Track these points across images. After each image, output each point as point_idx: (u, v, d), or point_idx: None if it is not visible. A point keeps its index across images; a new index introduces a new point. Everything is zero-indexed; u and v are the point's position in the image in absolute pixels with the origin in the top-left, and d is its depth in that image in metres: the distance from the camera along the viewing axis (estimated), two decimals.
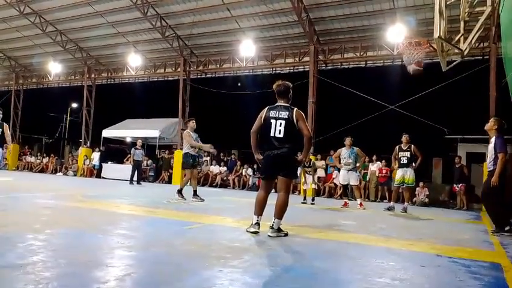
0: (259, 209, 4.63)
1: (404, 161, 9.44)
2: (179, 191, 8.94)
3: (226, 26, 17.83)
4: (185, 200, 8.78)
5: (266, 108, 4.71)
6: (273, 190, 4.88)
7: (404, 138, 9.52)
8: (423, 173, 15.38)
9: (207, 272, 2.91)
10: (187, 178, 9.14)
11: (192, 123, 9.16)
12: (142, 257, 3.34)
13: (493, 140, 6.24)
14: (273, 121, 4.57)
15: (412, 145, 9.41)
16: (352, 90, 16.01)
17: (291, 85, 4.83)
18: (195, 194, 8.94)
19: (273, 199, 4.73)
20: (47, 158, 24.76)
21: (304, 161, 4.59)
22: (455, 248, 4.68)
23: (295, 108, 4.63)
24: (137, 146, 16.25)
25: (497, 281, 3.18)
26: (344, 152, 10.09)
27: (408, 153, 9.38)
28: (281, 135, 4.52)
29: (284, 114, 4.55)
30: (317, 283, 2.84)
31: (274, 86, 4.79)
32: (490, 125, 6.32)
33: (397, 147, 9.66)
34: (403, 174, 9.47)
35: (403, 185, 9.63)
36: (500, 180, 5.89)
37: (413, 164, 9.44)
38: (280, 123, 4.53)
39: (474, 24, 9.42)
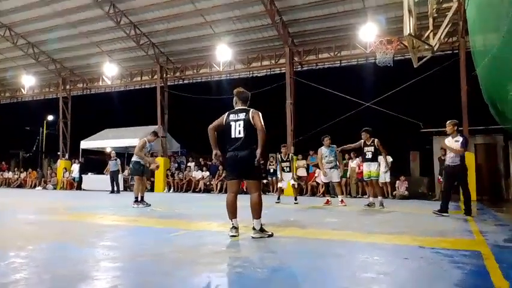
0: (232, 212, 4.74)
1: (369, 155, 9.55)
2: (142, 200, 9.20)
3: (201, 32, 17.81)
4: (149, 205, 9.05)
5: (227, 113, 4.91)
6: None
7: (364, 135, 9.57)
8: (402, 167, 15.68)
9: (196, 279, 2.93)
10: (140, 184, 9.36)
11: (151, 137, 9.61)
12: (129, 267, 3.32)
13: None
14: (232, 123, 4.79)
15: (376, 139, 9.50)
16: (328, 89, 16.21)
17: (250, 94, 5.07)
18: (137, 200, 9.15)
19: (246, 200, 4.76)
20: (25, 172, 24.22)
21: (259, 158, 4.64)
22: (437, 238, 4.80)
23: (252, 109, 4.83)
24: (111, 157, 16.84)
25: (479, 269, 3.29)
26: (324, 150, 10.19)
27: (372, 147, 9.48)
28: (241, 135, 4.71)
29: (242, 115, 4.77)
30: (306, 282, 2.88)
31: (235, 91, 4.99)
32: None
33: (362, 142, 9.67)
34: (369, 169, 9.56)
35: (370, 179, 9.67)
36: None
37: (378, 158, 9.53)
38: (239, 124, 4.74)
39: (442, 20, 9.72)
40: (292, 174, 11.07)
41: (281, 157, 11.04)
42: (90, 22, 18.22)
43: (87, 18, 17.97)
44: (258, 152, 4.64)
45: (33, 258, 3.55)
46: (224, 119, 4.88)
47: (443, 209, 7.59)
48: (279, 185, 11.24)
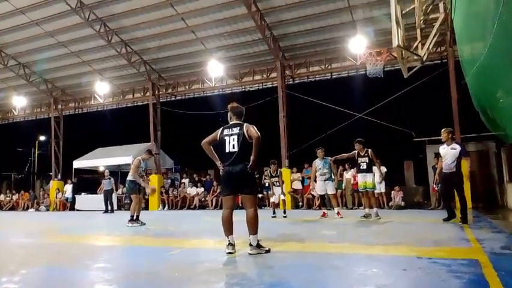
0: (228, 229, 4.69)
1: (364, 166, 9.54)
2: (137, 218, 9.13)
3: (193, 48, 17.92)
4: (144, 224, 9.01)
5: (221, 128, 4.91)
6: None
7: (357, 146, 9.56)
8: (396, 177, 15.71)
9: None
10: (137, 204, 9.31)
11: (146, 156, 9.64)
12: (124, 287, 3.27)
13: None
14: (227, 138, 4.78)
15: (369, 150, 9.49)
16: (320, 102, 16.33)
17: (244, 109, 5.09)
18: (132, 219, 9.09)
19: (242, 215, 4.74)
20: (17, 194, 23.93)
21: (252, 165, 4.61)
22: (434, 248, 4.79)
23: (246, 123, 4.84)
24: (105, 176, 16.79)
25: (477, 278, 3.27)
26: (318, 163, 10.20)
27: (367, 158, 9.46)
28: (235, 149, 4.70)
29: (236, 130, 4.77)
30: None
31: (230, 107, 5.00)
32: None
33: (355, 152, 9.66)
34: (364, 180, 9.54)
35: (366, 190, 9.64)
36: None
37: (372, 169, 9.52)
38: (234, 138, 4.74)
39: (430, 30, 9.86)
40: (282, 188, 11.11)
41: (270, 173, 11.16)
42: (81, 41, 18.25)
43: (78, 38, 17.99)
44: (252, 158, 4.62)
45: (27, 283, 3.48)
46: (218, 134, 4.87)
47: (450, 216, 7.77)
48: (271, 199, 11.32)
